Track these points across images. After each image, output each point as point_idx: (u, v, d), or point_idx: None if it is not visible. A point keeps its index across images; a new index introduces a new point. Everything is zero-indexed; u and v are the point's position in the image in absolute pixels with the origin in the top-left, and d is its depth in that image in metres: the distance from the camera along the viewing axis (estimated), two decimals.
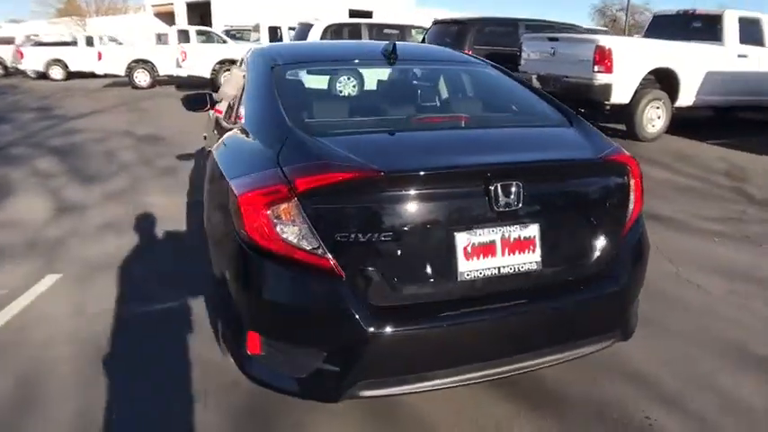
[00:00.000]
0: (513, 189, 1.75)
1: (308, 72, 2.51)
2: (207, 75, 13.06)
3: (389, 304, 1.71)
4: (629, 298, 2.05)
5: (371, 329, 1.66)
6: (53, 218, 4.57)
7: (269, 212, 1.69)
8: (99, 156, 6.92)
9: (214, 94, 4.26)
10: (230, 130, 2.56)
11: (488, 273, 1.80)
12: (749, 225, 4.62)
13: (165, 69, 14.50)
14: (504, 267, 1.81)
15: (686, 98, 8.05)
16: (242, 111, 2.43)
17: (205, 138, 4.95)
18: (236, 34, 16.03)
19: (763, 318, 3.05)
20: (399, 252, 1.71)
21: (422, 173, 1.73)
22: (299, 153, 1.81)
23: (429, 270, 1.76)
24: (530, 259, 1.85)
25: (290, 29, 13.84)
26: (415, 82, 2.80)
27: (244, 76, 2.67)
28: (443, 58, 2.93)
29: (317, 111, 2.32)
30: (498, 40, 9.83)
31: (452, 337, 1.75)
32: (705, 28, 8.52)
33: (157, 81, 15.11)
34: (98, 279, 3.39)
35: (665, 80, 7.89)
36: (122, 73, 14.62)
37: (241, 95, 2.54)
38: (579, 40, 8.02)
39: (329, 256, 1.67)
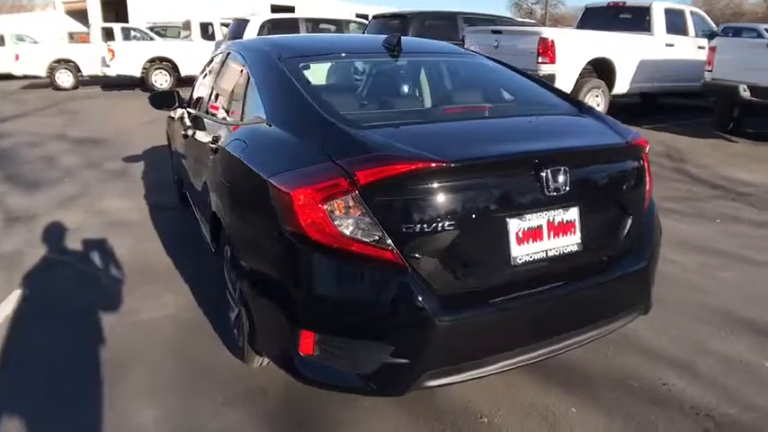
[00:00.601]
0: (561, 174, 1.81)
1: (318, 64, 2.43)
2: (137, 73, 12.38)
3: (451, 292, 1.70)
4: (652, 272, 2.16)
5: (439, 319, 1.65)
6: (3, 229, 4.20)
7: (326, 207, 1.64)
8: (37, 161, 6.40)
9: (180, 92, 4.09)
10: (228, 125, 2.45)
11: (537, 256, 1.84)
12: (699, 203, 4.98)
13: (89, 69, 13.61)
14: (550, 250, 1.86)
15: (622, 86, 8.52)
16: (252, 105, 2.34)
17: (169, 137, 4.73)
18: (160, 31, 15.31)
19: (734, 285, 3.30)
20: (459, 240, 1.71)
21: (483, 161, 1.74)
22: (351, 145, 1.76)
23: (486, 257, 1.78)
24: (571, 241, 1.91)
25: (223, 25, 13.41)
26: (424, 73, 2.78)
27: (241, 71, 2.56)
28: (443, 50, 2.93)
29: (343, 103, 2.25)
30: (439, 33, 9.95)
31: (509, 321, 1.77)
32: (634, 19, 9.04)
33: (81, 81, 14.18)
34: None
35: (602, 69, 8.31)
36: (43, 74, 13.57)
37: (245, 91, 2.43)
38: (523, 33, 8.29)
39: (394, 247, 1.64)
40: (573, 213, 1.90)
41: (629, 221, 2.08)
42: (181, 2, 20.11)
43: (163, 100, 3.92)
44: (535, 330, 1.88)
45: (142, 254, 3.71)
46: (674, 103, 10.50)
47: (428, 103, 2.49)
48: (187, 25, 13.15)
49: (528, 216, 1.81)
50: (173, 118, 4.63)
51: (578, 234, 1.91)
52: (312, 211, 1.64)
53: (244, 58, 2.61)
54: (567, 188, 1.82)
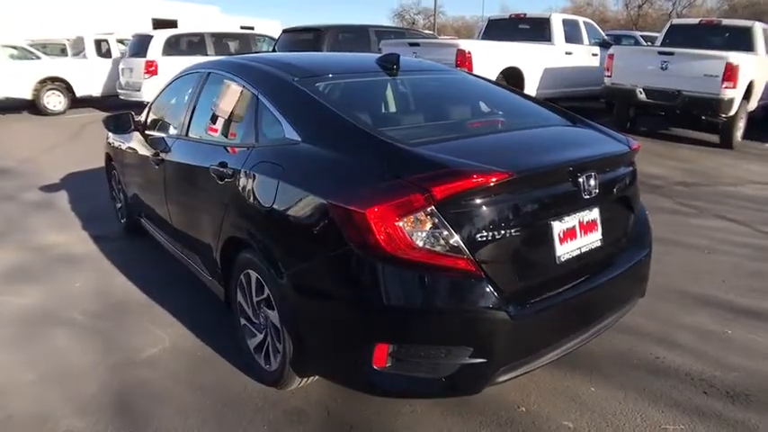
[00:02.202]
0: (593, 179, 2.03)
1: (332, 84, 2.45)
2: (28, 95, 11.31)
3: (513, 292, 1.83)
4: (650, 260, 2.44)
5: (512, 317, 1.78)
6: None
7: (402, 222, 1.71)
8: None
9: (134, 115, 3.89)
10: (242, 147, 2.39)
11: (574, 254, 2.03)
12: None
13: None
14: (582, 247, 2.06)
15: (530, 93, 9.19)
16: (269, 127, 2.32)
17: (111, 160, 4.44)
18: (39, 49, 14.06)
19: (678, 267, 3.75)
20: (517, 243, 1.86)
21: (538, 171, 1.92)
22: (416, 162, 1.83)
23: (537, 256, 1.95)
24: (595, 238, 2.13)
25: (120, 41, 12.66)
26: (432, 90, 2.89)
27: (241, 92, 2.52)
28: (432, 68, 3.06)
29: (375, 120, 2.30)
30: (352, 46, 10.17)
31: (560, 313, 1.94)
32: (535, 29, 9.80)
33: None
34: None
35: (512, 78, 8.93)
36: None
37: (255, 113, 2.41)
38: (440, 45, 8.70)
39: (469, 256, 1.74)
40: (595, 213, 2.12)
41: (632, 216, 2.36)
42: (54, 18, 18.70)
43: (119, 123, 3.71)
44: (578, 319, 2.08)
45: (108, 290, 3.47)
46: (573, 107, 11.45)
47: (450, 119, 2.61)
48: (78, 42, 12.23)
49: (566, 218, 2.00)
50: (111, 143, 4.37)
51: (599, 231, 2.14)
52: (388, 228, 1.71)
53: (245, 79, 2.57)
54: (597, 191, 2.03)
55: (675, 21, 9.55)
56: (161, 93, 3.74)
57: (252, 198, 2.22)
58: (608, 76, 8.24)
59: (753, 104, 8.09)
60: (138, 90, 10.43)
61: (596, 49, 10.30)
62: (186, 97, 3.18)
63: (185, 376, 2.53)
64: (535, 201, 1.92)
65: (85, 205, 5.28)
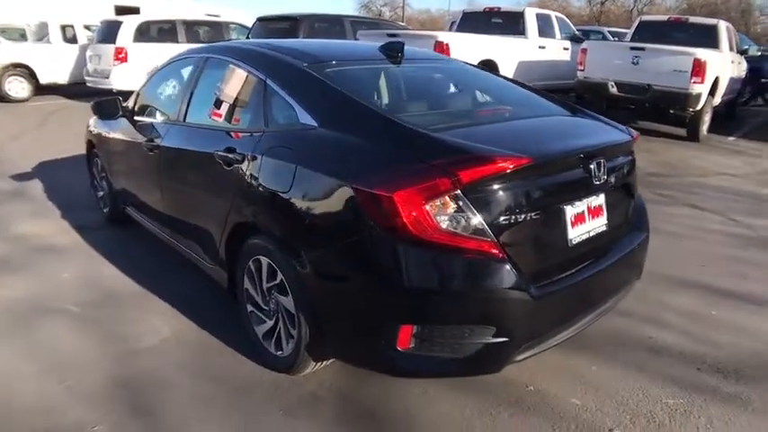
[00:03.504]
0: (603, 166, 2.12)
1: (342, 70, 2.44)
2: None
3: (532, 272, 1.89)
4: (647, 244, 2.55)
5: (533, 296, 1.84)
6: None
7: (428, 206, 1.74)
8: None
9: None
10: (254, 133, 2.39)
11: (583, 237, 2.11)
12: None
13: None
14: (590, 231, 2.14)
15: None
16: (281, 112, 2.31)
17: (94, 147, 4.32)
18: None
19: (660, 252, 3.90)
20: (534, 226, 1.92)
21: (555, 157, 1.99)
22: (440, 147, 1.87)
23: (552, 239, 2.01)
24: (601, 222, 2.21)
25: (86, 27, 12.23)
26: (437, 78, 2.90)
27: (246, 77, 2.50)
28: (431, 56, 3.09)
29: (390, 107, 2.31)
30: (328, 35, 10.10)
31: (574, 294, 2.02)
32: (509, 23, 9.94)
33: None
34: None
35: (487, 70, 9.02)
36: None
37: (264, 98, 2.40)
38: (418, 36, 8.71)
39: (493, 238, 1.79)
40: (602, 199, 2.20)
41: (632, 202, 2.45)
42: (10, 2, 17.89)
43: (106, 109, 3.62)
44: (588, 300, 2.16)
45: (98, 280, 3.39)
46: None
47: (459, 106, 2.64)
48: (42, 27, 11.75)
49: (577, 203, 2.08)
50: (93, 130, 4.25)
51: (605, 216, 2.22)
52: (415, 211, 1.73)
53: (250, 64, 2.55)
54: (605, 177, 2.11)
55: (645, 17, 9.84)
56: (150, 78, 3.65)
57: (265, 183, 2.21)
58: (581, 70, 8.44)
59: (717, 99, 8.42)
60: (107, 77, 10.12)
61: (568, 44, 10.51)
62: (182, 83, 3.12)
63: (191, 365, 2.51)
64: (551, 186, 1.98)
65: (62, 194, 5.12)
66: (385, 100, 2.50)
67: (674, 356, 2.62)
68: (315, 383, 2.34)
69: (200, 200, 2.76)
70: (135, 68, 10.10)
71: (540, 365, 2.48)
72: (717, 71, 7.85)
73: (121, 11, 19.77)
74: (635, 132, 2.52)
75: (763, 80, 11.13)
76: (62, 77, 11.64)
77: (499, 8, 10.27)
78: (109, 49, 10.11)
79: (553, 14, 10.51)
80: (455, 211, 1.77)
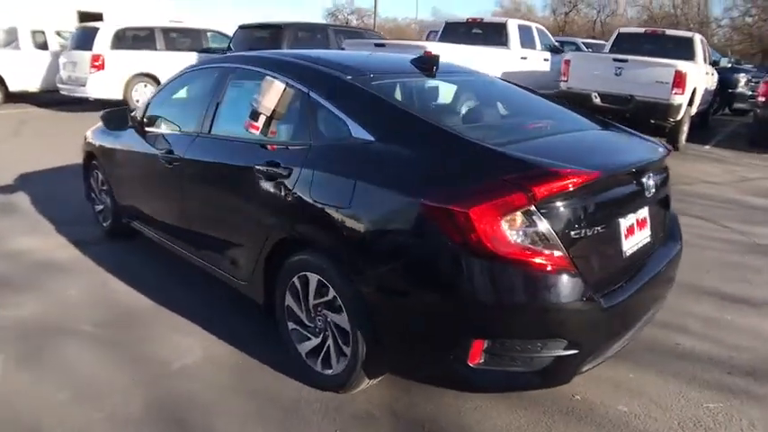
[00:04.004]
0: (652, 180, 2.19)
1: (386, 84, 2.43)
2: None
3: (597, 284, 1.92)
4: (681, 254, 2.62)
5: (603, 309, 1.88)
6: None
7: (503, 221, 1.75)
8: None
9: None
10: (300, 146, 2.37)
11: (634, 249, 2.16)
12: None
13: None
14: (638, 243, 2.20)
15: None
16: (329, 126, 2.29)
17: (93, 159, 4.18)
18: None
19: None
20: (597, 238, 1.95)
21: (618, 171, 2.05)
22: (510, 163, 1.89)
23: (611, 250, 2.05)
24: (646, 234, 2.27)
25: (58, 33, 11.87)
26: (472, 92, 2.91)
27: (284, 90, 2.47)
28: (459, 70, 3.09)
29: (445, 121, 2.30)
30: (312, 44, 10.09)
31: (630, 304, 2.05)
32: (492, 34, 10.09)
33: None
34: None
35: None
36: None
37: (307, 111, 2.38)
38: (407, 46, 8.75)
39: (564, 252, 1.81)
40: (646, 211, 2.27)
41: (668, 214, 2.52)
42: None
43: (116, 119, 3.53)
44: (639, 310, 2.22)
45: (109, 297, 3.27)
46: None
47: (505, 120, 2.65)
48: (11, 33, 11.34)
49: (629, 215, 2.13)
50: (93, 142, 4.11)
51: (648, 227, 2.27)
52: (490, 226, 1.74)
53: (289, 76, 2.52)
54: (654, 191, 2.17)
55: (623, 29, 10.14)
56: (163, 89, 3.56)
57: (319, 198, 2.17)
58: (564, 81, 8.63)
59: (694, 109, 8.73)
60: (83, 85, 9.83)
61: (548, 54, 10.74)
62: (203, 93, 3.05)
63: (230, 385, 2.44)
64: (610, 199, 2.03)
65: (52, 208, 4.92)
66: (436, 114, 2.50)
67: (703, 361, 2.70)
68: (365, 401, 2.31)
69: (234, 214, 2.70)
70: (112, 76, 9.86)
71: (579, 375, 2.51)
72: (695, 82, 8.15)
73: (85, 17, 19.28)
74: (668, 146, 2.60)
75: (729, 90, 11.60)
76: (33, 85, 11.26)
77: (482, 19, 10.43)
78: (85, 55, 9.82)
79: (533, 26, 10.74)
80: (528, 226, 1.79)
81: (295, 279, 2.34)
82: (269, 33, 9.90)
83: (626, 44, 9.57)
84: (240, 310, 3.06)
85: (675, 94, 7.61)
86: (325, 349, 2.31)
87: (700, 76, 8.61)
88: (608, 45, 10.04)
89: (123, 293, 3.33)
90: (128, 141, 3.61)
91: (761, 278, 3.79)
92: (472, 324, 1.85)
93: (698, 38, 9.18)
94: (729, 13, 34.63)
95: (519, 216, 1.78)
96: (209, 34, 11.44)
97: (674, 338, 2.89)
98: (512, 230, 1.77)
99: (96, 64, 9.70)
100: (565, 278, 1.82)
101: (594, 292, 1.89)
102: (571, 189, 1.82)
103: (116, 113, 3.54)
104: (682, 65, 7.66)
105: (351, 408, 2.27)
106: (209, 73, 3.11)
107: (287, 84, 2.49)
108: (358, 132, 2.18)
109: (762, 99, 8.40)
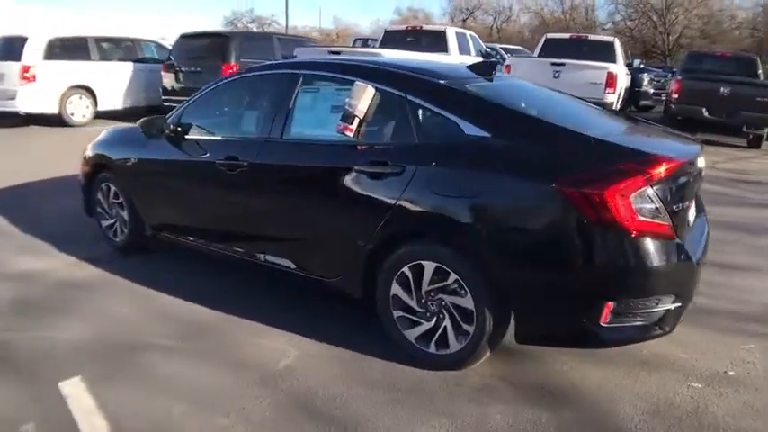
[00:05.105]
0: (698, 166, 2.62)
1: (476, 87, 2.71)
2: None
3: (687, 246, 2.36)
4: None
5: (695, 266, 2.34)
6: None
7: (630, 199, 2.12)
8: None
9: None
10: (372, 146, 2.61)
11: (691, 220, 2.65)
12: None
13: None
14: (693, 214, 2.68)
15: None
16: (436, 127, 2.55)
17: (103, 170, 4.04)
18: None
19: None
20: (684, 212, 2.42)
21: (692, 159, 2.49)
22: (626, 152, 2.28)
23: (686, 221, 2.51)
24: (693, 208, 2.72)
25: None
26: (533, 92, 3.23)
27: (379, 94, 2.70)
28: (502, 75, 3.43)
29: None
30: (259, 53, 10.07)
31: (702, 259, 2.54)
32: (432, 41, 10.60)
33: None
34: None
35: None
36: None
37: (409, 115, 2.61)
38: (364, 53, 9.01)
39: (670, 223, 2.23)
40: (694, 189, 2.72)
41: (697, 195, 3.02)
42: None
43: (154, 127, 3.49)
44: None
45: (168, 312, 3.23)
46: None
47: (573, 118, 2.91)
48: None
49: (691, 194, 2.58)
50: (104, 154, 3.98)
51: (692, 209, 2.72)
52: (622, 204, 2.11)
53: (380, 82, 2.73)
54: (698, 173, 2.64)
55: (549, 35, 11.04)
56: (200, 98, 3.55)
57: (441, 191, 2.42)
58: None
59: (618, 107, 9.75)
60: (13, 98, 9.09)
61: (480, 60, 11.44)
62: (268, 99, 3.16)
63: (343, 376, 2.57)
64: (685, 180, 2.45)
65: (42, 226, 4.61)
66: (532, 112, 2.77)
67: (722, 315, 3.21)
68: (477, 375, 2.56)
69: (326, 214, 2.83)
70: (44, 89, 9.23)
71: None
72: (621, 82, 9.13)
73: None
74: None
75: (636, 89, 12.97)
76: None
77: (421, 27, 10.94)
78: (13, 67, 9.10)
79: (467, 33, 11.41)
80: (646, 203, 2.18)
81: (405, 269, 2.54)
82: (214, 42, 9.76)
83: (552, 49, 10.44)
84: (312, 309, 3.18)
85: (608, 93, 8.50)
86: (440, 331, 2.52)
87: (623, 77, 9.64)
88: (536, 50, 10.90)
89: (178, 307, 3.29)
90: (161, 150, 3.56)
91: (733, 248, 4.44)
92: (604, 289, 2.21)
93: (617, 42, 10.26)
94: (613, 17, 38.16)
95: (640, 195, 2.16)
96: (142, 44, 10.98)
97: (697, 301, 3.37)
98: (636, 207, 2.15)
99: (26, 76, 9.02)
100: (673, 244, 2.25)
101: (688, 253, 2.31)
102: (671, 172, 2.23)
103: (154, 122, 3.49)
104: (612, 67, 8.57)
105: (469, 381, 2.52)
106: (268, 80, 3.20)
107: (380, 89, 2.70)
108: (471, 130, 2.45)
109: (674, 96, 9.57)
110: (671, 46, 33.63)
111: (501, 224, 2.33)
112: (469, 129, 2.45)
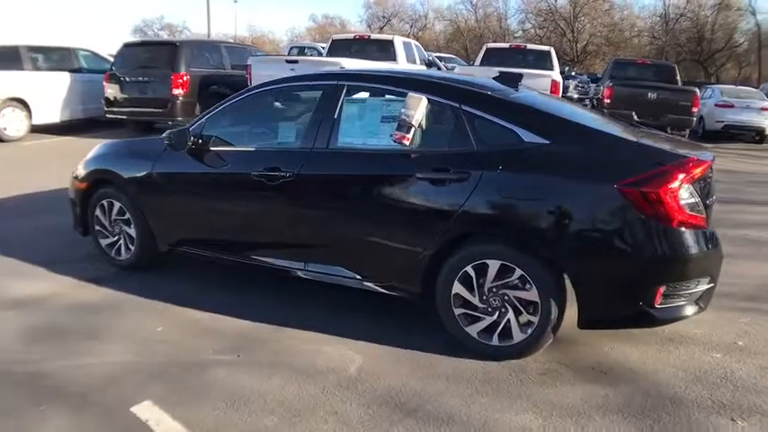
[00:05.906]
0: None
1: (517, 98, 2.96)
2: None
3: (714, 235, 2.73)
4: None
5: (721, 252, 2.70)
6: None
7: (678, 195, 2.47)
8: None
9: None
10: (431, 154, 2.82)
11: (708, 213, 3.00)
12: None
13: None
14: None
15: None
16: (492, 135, 2.75)
17: (99, 186, 3.90)
18: None
19: None
20: (710, 206, 2.76)
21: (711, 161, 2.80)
22: (670, 155, 2.64)
23: (709, 212, 2.81)
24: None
25: None
26: (555, 102, 3.53)
27: (433, 105, 2.89)
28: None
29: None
30: (208, 62, 9.90)
31: None
32: (380, 49, 10.84)
33: None
34: None
35: None
36: None
37: (464, 124, 2.80)
38: (321, 63, 9.08)
39: (705, 215, 2.60)
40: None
41: None
42: None
43: (181, 140, 3.41)
44: None
45: (208, 327, 3.20)
46: None
47: (598, 125, 3.13)
48: None
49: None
50: (110, 169, 3.86)
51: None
52: (673, 200, 2.45)
53: (432, 93, 2.92)
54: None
55: (490, 45, 11.64)
56: (223, 109, 3.54)
57: (508, 194, 2.65)
58: None
59: None
60: None
61: (424, 68, 11.85)
62: (308, 110, 3.24)
63: (417, 374, 2.70)
64: (709, 180, 2.82)
65: (29, 248, 4.34)
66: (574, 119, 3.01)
67: (722, 296, 3.50)
68: (536, 362, 2.79)
69: (383, 220, 2.94)
70: None
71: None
72: (561, 89, 9.83)
73: None
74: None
75: (563, 95, 13.98)
76: None
77: (369, 36, 11.16)
78: None
79: (412, 42, 11.79)
80: (690, 197, 2.54)
81: (468, 268, 2.73)
82: (162, 51, 9.46)
83: (494, 57, 11.03)
84: (356, 313, 3.29)
85: None
86: (503, 324, 2.74)
87: (561, 84, 10.37)
88: (478, 59, 11.45)
89: (215, 321, 3.26)
90: (185, 163, 3.51)
91: None
92: (658, 274, 2.54)
93: (552, 51, 11.02)
94: (523, 25, 40.46)
95: (685, 192, 2.52)
96: (79, 53, 10.36)
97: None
98: (682, 202, 2.50)
99: None
100: (709, 233, 2.63)
101: (717, 240, 2.70)
102: (704, 172, 2.63)
103: (178, 134, 3.42)
104: (554, 74, 9.22)
105: (531, 367, 2.75)
106: (306, 90, 3.27)
107: (433, 100, 2.88)
108: (529, 138, 2.69)
109: (607, 101, 10.44)
110: (579, 53, 36.19)
111: (567, 223, 2.58)
112: (528, 136, 2.70)
